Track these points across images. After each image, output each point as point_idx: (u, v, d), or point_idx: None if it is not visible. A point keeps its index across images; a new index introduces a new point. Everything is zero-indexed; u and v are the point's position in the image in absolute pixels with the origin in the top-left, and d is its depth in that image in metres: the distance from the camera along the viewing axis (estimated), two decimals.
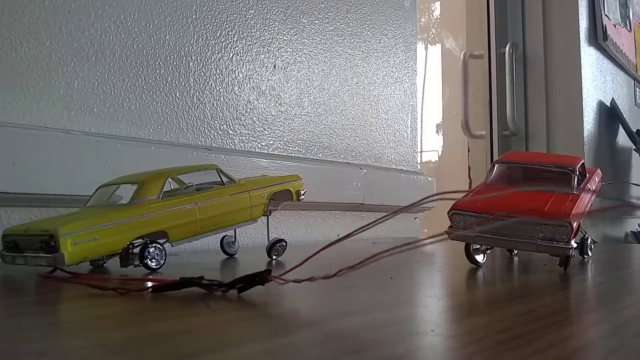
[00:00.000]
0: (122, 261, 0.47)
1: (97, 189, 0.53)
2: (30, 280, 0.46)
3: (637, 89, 2.43)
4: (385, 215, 0.33)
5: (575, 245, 0.49)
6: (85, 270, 0.49)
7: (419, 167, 1.34)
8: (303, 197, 0.63)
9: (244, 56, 0.89)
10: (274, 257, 0.60)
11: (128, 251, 0.47)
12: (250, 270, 0.35)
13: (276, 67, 0.95)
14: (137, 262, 0.47)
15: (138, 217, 0.47)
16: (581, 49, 1.77)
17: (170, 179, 0.54)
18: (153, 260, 0.48)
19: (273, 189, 0.60)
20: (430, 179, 1.30)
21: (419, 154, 1.37)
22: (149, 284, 0.37)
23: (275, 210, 0.63)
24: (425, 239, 0.32)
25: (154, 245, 0.48)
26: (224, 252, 0.64)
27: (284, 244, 0.61)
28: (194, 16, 0.82)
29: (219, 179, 0.56)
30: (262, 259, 0.60)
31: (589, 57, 1.85)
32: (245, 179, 0.61)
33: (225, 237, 0.64)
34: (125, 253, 0.47)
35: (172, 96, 0.79)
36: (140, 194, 0.49)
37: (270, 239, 0.60)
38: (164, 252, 0.49)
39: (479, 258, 0.54)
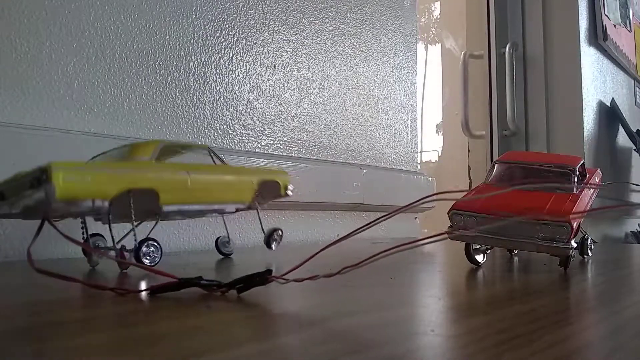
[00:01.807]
0: (120, 265, 0.48)
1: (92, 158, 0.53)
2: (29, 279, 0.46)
3: (637, 89, 2.43)
4: (384, 215, 0.33)
5: (575, 245, 0.49)
6: (85, 271, 0.49)
7: (419, 167, 1.34)
8: (291, 192, 0.63)
9: (244, 56, 0.89)
10: (273, 246, 0.60)
11: (123, 252, 0.47)
12: (250, 270, 0.35)
13: (276, 67, 0.95)
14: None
15: (130, 170, 0.47)
16: (581, 49, 1.77)
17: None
18: (147, 257, 0.47)
19: (262, 176, 0.59)
20: (430, 179, 1.30)
21: (419, 154, 1.37)
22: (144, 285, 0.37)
23: (265, 204, 0.63)
24: (427, 237, 0.32)
25: (148, 242, 0.48)
26: (219, 252, 0.64)
27: (280, 232, 0.60)
28: (194, 16, 0.82)
29: (211, 161, 0.56)
30: (260, 258, 0.60)
31: (589, 57, 1.85)
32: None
33: (220, 238, 0.64)
34: (121, 254, 0.47)
35: (172, 96, 0.79)
36: (133, 154, 0.49)
37: (265, 230, 0.60)
38: (159, 250, 0.48)
39: (479, 258, 0.54)
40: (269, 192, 0.61)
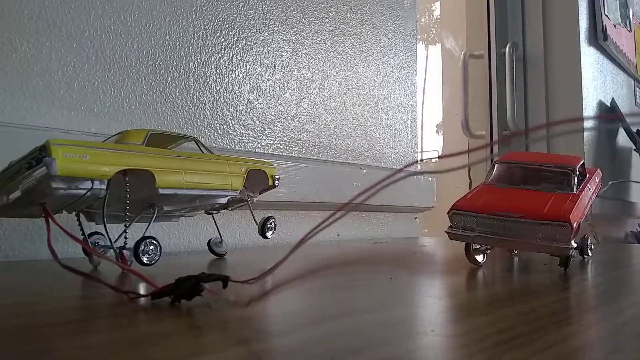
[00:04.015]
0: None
1: None
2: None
3: (637, 89, 2.43)
4: (386, 178, 0.33)
5: (575, 245, 0.49)
6: (87, 270, 0.49)
7: (419, 167, 1.34)
8: (278, 183, 0.63)
9: (244, 56, 0.89)
10: (269, 234, 0.60)
11: (122, 253, 0.47)
12: (251, 266, 0.35)
13: (276, 67, 0.95)
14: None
15: (125, 150, 0.47)
16: (581, 49, 1.77)
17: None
18: (145, 255, 0.47)
19: (250, 165, 0.60)
20: (430, 178, 1.30)
21: (419, 154, 1.37)
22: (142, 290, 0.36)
23: (254, 197, 0.62)
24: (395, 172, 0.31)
25: (147, 240, 0.48)
26: (212, 252, 0.64)
27: (273, 220, 0.61)
28: (194, 16, 0.82)
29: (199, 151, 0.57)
30: (257, 257, 0.60)
31: (589, 57, 1.85)
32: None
33: (212, 239, 0.64)
34: (121, 255, 0.47)
35: (172, 96, 0.79)
36: (124, 139, 0.49)
37: (257, 221, 0.60)
38: (158, 248, 0.48)
39: (479, 258, 0.54)
40: (258, 182, 0.61)
